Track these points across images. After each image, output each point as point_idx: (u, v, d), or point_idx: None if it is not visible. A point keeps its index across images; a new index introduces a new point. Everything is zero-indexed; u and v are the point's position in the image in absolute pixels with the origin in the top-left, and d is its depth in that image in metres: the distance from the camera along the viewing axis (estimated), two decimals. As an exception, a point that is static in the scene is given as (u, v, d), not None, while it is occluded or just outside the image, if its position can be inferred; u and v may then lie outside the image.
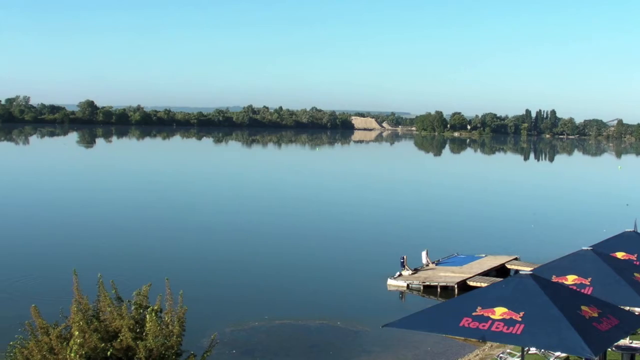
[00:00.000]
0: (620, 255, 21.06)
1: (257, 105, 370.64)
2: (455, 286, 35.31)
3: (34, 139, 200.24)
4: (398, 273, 36.86)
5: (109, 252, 40.81)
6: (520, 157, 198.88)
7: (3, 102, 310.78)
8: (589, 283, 17.82)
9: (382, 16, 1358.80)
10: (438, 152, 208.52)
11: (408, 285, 36.01)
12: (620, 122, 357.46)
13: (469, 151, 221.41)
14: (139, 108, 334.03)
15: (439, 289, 35.54)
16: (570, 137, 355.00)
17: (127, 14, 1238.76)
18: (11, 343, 13.97)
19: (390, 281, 36.41)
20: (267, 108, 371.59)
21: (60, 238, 45.46)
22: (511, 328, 13.41)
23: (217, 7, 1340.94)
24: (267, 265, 39.96)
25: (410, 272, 37.14)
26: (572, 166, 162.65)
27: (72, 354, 12.38)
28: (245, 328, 28.05)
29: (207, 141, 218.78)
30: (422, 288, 35.75)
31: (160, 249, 43.03)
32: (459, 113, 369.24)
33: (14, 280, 33.53)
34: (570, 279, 18.10)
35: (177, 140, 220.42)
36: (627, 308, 17.74)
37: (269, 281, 36.63)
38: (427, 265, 39.20)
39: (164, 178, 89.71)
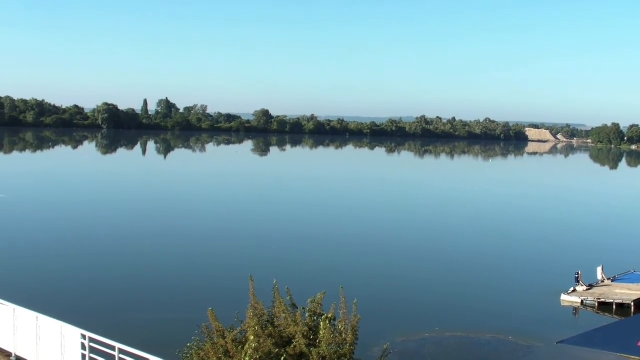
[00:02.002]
0: None
1: (430, 116, 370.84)
2: (632, 304, 33.79)
3: (210, 146, 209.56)
4: (572, 289, 35.92)
5: (284, 259, 42.02)
6: None
7: (182, 110, 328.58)
8: None
9: (565, 25, 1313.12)
10: (614, 166, 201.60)
11: (582, 301, 34.96)
12: None
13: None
14: (312, 117, 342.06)
15: (614, 307, 34.16)
16: None
17: (301, 27, 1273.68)
18: (188, 345, 14.66)
19: (564, 297, 35.46)
20: (440, 119, 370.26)
21: (237, 243, 47.28)
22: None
23: (390, 22, 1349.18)
24: (440, 277, 39.88)
25: (584, 288, 36.06)
26: None
27: (247, 358, 12.79)
28: (416, 339, 27.95)
29: (380, 151, 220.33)
30: (596, 305, 34.57)
31: (335, 257, 43.76)
32: (637, 125, 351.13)
33: (192, 284, 35.23)
34: None
35: (349, 149, 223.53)
36: None
37: (440, 292, 36.45)
38: (603, 281, 37.85)
39: (339, 185, 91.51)
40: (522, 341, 28.25)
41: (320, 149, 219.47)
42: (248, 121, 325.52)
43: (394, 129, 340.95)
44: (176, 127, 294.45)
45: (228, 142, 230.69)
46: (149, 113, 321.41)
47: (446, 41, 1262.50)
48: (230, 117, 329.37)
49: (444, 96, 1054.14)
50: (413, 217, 66.15)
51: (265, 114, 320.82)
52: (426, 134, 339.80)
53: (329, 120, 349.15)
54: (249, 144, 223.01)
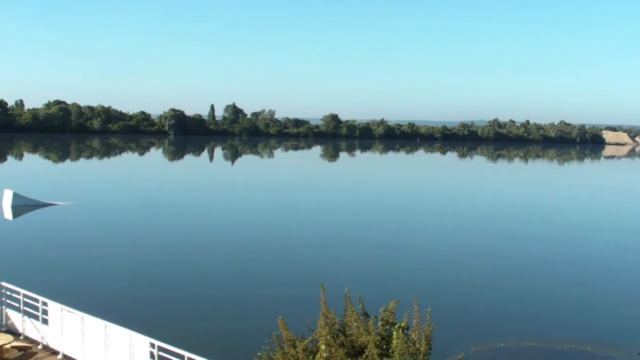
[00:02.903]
0: None
1: (502, 119, 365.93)
2: None
3: (278, 152, 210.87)
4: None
5: (356, 266, 42.17)
6: None
7: (249, 116, 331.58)
8: None
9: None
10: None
11: (667, 312, 34.06)
12: None
13: None
14: (382, 122, 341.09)
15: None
16: None
17: (370, 30, 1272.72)
18: (258, 354, 14.79)
19: (646, 306, 34.66)
20: (513, 122, 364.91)
21: (307, 251, 47.55)
22: None
23: (461, 22, 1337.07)
24: (515, 285, 39.51)
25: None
26: None
27: (318, 367, 12.84)
28: (491, 349, 27.63)
29: (451, 155, 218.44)
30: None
31: (407, 264, 43.70)
32: None
33: (262, 292, 35.58)
34: None
35: (420, 154, 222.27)
36: None
37: (516, 301, 36.07)
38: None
39: (410, 190, 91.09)
40: (601, 352, 27.71)
41: (391, 154, 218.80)
42: (316, 126, 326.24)
43: (465, 132, 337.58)
44: (243, 132, 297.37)
45: (296, 148, 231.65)
46: (216, 119, 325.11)
47: (518, 42, 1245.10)
48: (298, 122, 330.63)
49: (517, 98, 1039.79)
50: (487, 223, 65.48)
51: (334, 118, 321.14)
52: (499, 138, 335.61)
53: (399, 125, 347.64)
54: (317, 150, 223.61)
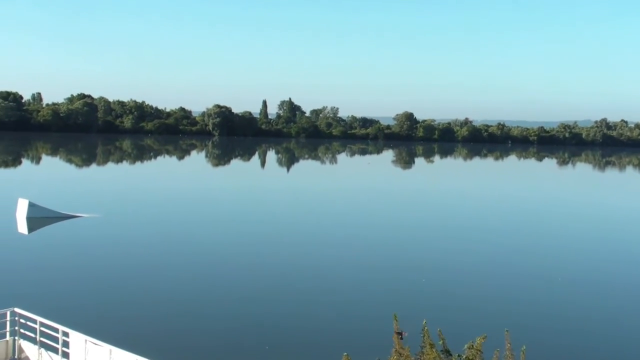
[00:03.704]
0: None
1: (612, 119, 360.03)
2: None
3: (342, 157, 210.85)
4: None
5: (435, 295, 41.99)
6: None
7: (308, 114, 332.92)
8: None
9: None
10: None
11: None
12: None
13: None
14: (466, 122, 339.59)
15: None
16: None
17: (450, 15, 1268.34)
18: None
19: None
20: (625, 122, 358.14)
21: (377, 276, 47.24)
22: None
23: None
24: (625, 320, 38.64)
25: None
26: None
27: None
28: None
29: (549, 163, 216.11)
30: None
31: (497, 293, 43.16)
32: None
33: (324, 324, 35.62)
34: None
35: (512, 160, 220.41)
36: None
37: (625, 338, 35.47)
38: None
39: (499, 206, 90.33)
40: None
41: (476, 160, 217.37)
42: (388, 126, 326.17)
43: (567, 135, 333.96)
44: (301, 133, 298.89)
45: (363, 152, 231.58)
46: (269, 117, 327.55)
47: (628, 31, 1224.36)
48: (366, 122, 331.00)
49: (631, 95, 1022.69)
50: (592, 245, 64.60)
51: (409, 117, 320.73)
52: (608, 142, 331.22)
53: (487, 125, 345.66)
54: (388, 155, 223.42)
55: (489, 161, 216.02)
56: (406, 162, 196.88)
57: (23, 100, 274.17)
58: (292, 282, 44.73)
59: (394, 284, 44.53)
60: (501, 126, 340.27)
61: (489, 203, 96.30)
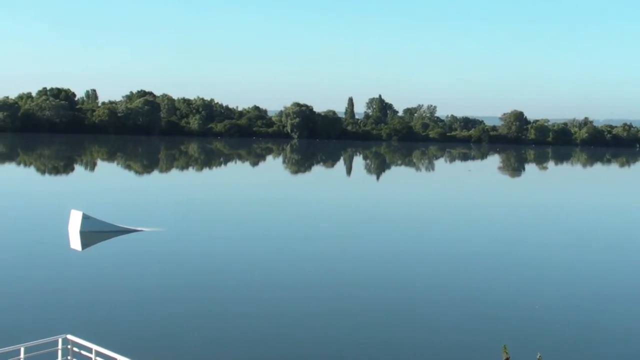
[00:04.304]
0: None
1: None
2: None
3: (440, 163, 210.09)
4: None
5: (551, 321, 41.38)
6: None
7: (401, 113, 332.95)
8: None
9: None
10: None
11: None
12: None
13: None
14: (586, 122, 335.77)
15: None
16: None
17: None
18: None
19: None
20: None
21: (485, 302, 46.75)
22: None
23: None
24: None
25: None
26: None
27: None
28: None
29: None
30: None
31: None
32: None
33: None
34: None
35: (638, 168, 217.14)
36: None
37: None
38: None
39: (626, 223, 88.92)
40: None
41: (597, 166, 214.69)
42: (494, 127, 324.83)
43: None
44: (393, 135, 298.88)
45: (465, 157, 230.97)
46: (356, 117, 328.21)
47: None
48: (468, 122, 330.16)
49: None
50: None
51: (518, 117, 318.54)
52: None
53: (610, 126, 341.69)
54: (494, 160, 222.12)
55: (614, 168, 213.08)
56: (514, 169, 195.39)
57: (76, 99, 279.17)
58: (393, 316, 44.31)
59: (505, 308, 43.91)
60: (628, 127, 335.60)
61: (614, 219, 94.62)
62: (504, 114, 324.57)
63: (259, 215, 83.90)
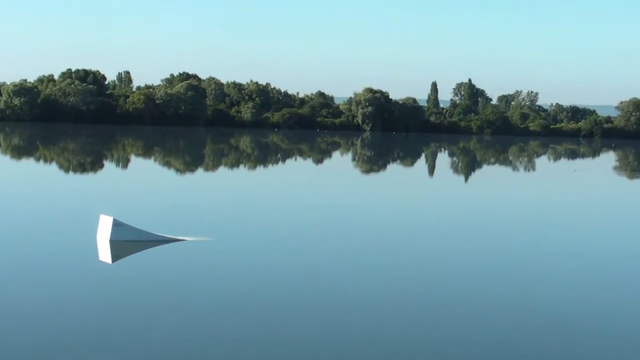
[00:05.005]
0: None
1: None
2: None
3: (541, 161, 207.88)
4: None
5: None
6: None
7: (495, 101, 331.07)
8: None
9: None
10: None
11: None
12: None
13: None
14: None
15: None
16: None
17: None
18: None
19: None
20: None
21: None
22: None
23: None
24: None
25: None
26: None
27: None
28: None
29: None
30: None
31: None
32: None
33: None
34: None
35: None
36: None
37: None
38: None
39: None
40: None
41: None
42: (608, 119, 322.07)
43: None
44: (486, 128, 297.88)
45: (573, 155, 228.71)
46: (440, 106, 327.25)
47: None
48: (576, 112, 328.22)
49: None
50: None
51: (639, 106, 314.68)
52: None
53: None
54: (608, 158, 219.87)
55: None
56: (633, 169, 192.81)
57: (106, 82, 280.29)
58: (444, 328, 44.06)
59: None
60: None
61: None
62: (621, 102, 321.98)
63: (322, 223, 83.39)
